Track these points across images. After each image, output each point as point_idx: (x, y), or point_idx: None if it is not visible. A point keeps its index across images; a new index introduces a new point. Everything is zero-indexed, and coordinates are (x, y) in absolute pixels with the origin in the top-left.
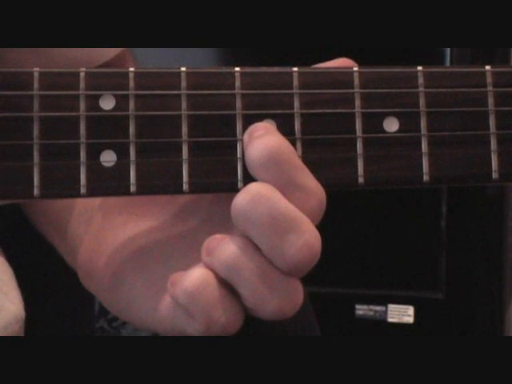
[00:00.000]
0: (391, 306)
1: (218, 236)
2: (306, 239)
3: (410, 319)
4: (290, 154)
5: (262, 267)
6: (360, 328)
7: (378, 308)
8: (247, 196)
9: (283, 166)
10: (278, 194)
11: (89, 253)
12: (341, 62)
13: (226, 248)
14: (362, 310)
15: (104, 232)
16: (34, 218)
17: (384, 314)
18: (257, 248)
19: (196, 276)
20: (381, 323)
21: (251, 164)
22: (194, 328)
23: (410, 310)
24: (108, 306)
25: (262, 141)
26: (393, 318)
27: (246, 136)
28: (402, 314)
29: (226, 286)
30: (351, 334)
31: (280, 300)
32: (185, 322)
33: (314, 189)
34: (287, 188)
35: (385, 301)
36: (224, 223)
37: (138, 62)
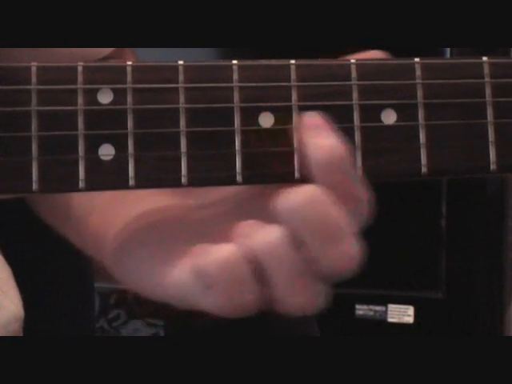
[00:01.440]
0: (391, 306)
1: (253, 222)
2: (349, 252)
3: (410, 319)
4: (351, 163)
5: (300, 263)
6: (360, 328)
7: (377, 308)
8: (303, 197)
9: (345, 174)
10: (333, 201)
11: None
12: (372, 54)
13: (268, 234)
14: (361, 309)
15: (129, 202)
16: (47, 213)
17: (384, 314)
18: (298, 244)
19: (228, 249)
20: (381, 323)
21: (315, 163)
22: (208, 301)
23: (410, 310)
24: (116, 270)
25: (331, 144)
26: (393, 317)
27: (300, 127)
28: (402, 314)
29: (256, 271)
30: (351, 334)
31: (306, 299)
32: (199, 294)
33: (365, 201)
34: (343, 196)
35: (385, 301)
36: (247, 214)
37: (138, 58)
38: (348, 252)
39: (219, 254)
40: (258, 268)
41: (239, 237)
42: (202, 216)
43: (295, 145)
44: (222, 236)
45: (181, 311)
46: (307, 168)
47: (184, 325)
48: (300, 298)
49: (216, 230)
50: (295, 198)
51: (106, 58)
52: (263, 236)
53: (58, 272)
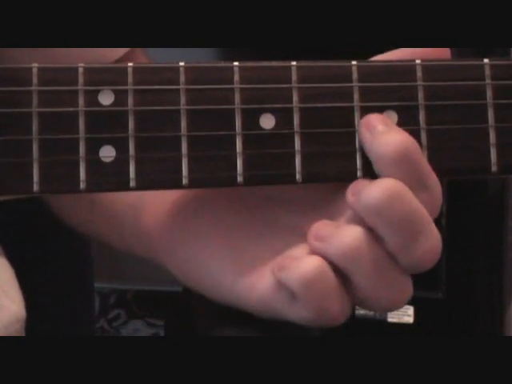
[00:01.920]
0: None
1: (328, 222)
2: (433, 243)
3: (410, 319)
4: (421, 153)
5: (382, 260)
6: (360, 328)
7: None
8: (383, 191)
9: (415, 164)
10: (411, 193)
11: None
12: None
13: (346, 235)
14: (362, 309)
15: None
16: (71, 214)
17: (384, 313)
18: (377, 240)
19: (313, 263)
20: (381, 323)
21: (381, 158)
22: (298, 315)
23: (410, 310)
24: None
25: (395, 137)
26: (393, 318)
27: (363, 129)
28: (402, 313)
29: (340, 275)
30: (351, 333)
31: (394, 294)
32: (287, 307)
33: (438, 191)
34: (416, 187)
35: None
36: (307, 210)
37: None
38: (432, 244)
39: (305, 268)
40: (339, 270)
41: (317, 240)
42: (267, 209)
43: (357, 145)
44: (295, 235)
45: (181, 311)
46: (374, 166)
47: (184, 325)
48: (385, 295)
49: (286, 227)
50: (376, 193)
51: (118, 61)
52: (342, 238)
53: (58, 272)
